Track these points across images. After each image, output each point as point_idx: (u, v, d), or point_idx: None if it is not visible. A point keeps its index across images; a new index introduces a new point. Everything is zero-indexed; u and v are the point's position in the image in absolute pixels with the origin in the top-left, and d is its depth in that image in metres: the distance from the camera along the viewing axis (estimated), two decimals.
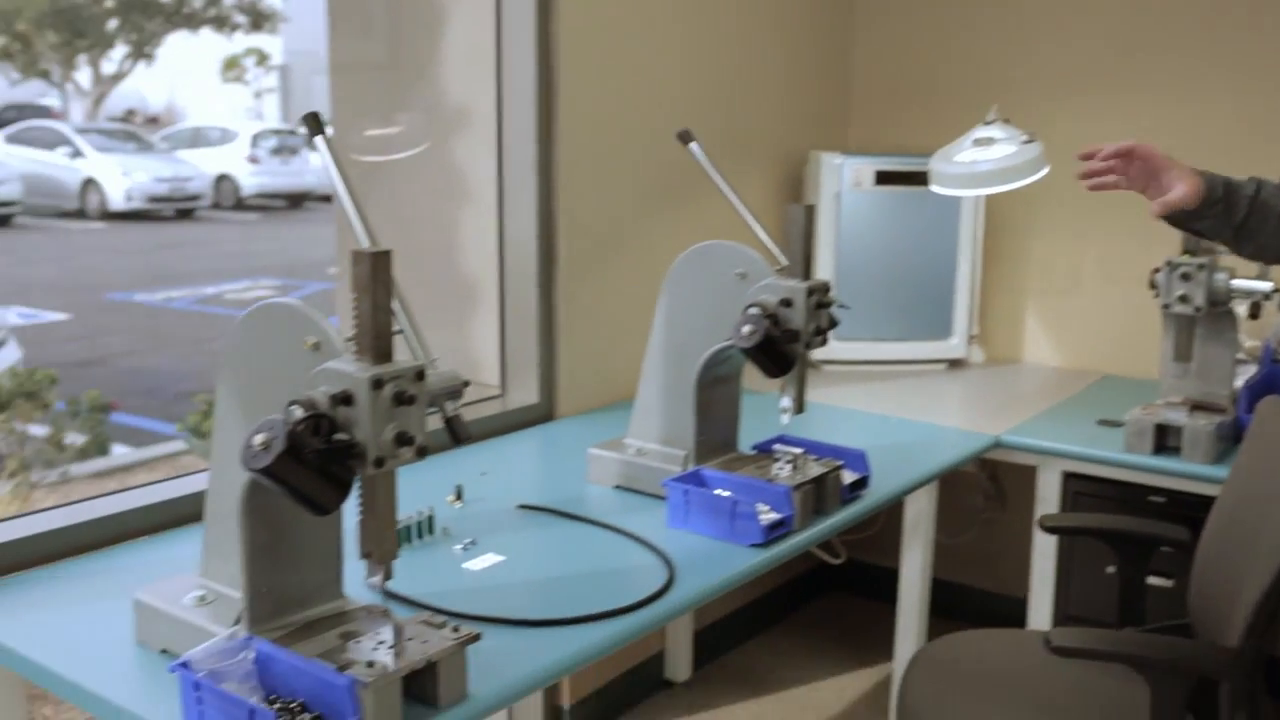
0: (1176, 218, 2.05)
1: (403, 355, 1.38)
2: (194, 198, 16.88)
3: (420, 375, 1.34)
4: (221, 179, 17.75)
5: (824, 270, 3.26)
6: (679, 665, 3.37)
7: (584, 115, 2.74)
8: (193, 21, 24.11)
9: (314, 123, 1.54)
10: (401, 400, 1.31)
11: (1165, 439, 2.54)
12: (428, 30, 2.89)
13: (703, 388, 2.20)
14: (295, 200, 18.38)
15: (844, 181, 3.31)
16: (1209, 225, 2.04)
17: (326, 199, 17.38)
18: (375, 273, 1.31)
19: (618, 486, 2.27)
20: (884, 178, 3.32)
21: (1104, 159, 2.05)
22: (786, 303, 2.06)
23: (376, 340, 1.31)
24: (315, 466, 1.25)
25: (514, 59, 2.68)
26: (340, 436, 1.29)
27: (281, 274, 11.84)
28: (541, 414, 2.76)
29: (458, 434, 1.47)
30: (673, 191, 3.00)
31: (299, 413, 1.28)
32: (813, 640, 3.67)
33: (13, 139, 17.27)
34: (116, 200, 16.03)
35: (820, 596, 3.95)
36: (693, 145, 2.29)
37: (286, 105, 28.44)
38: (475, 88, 2.79)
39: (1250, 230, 2.02)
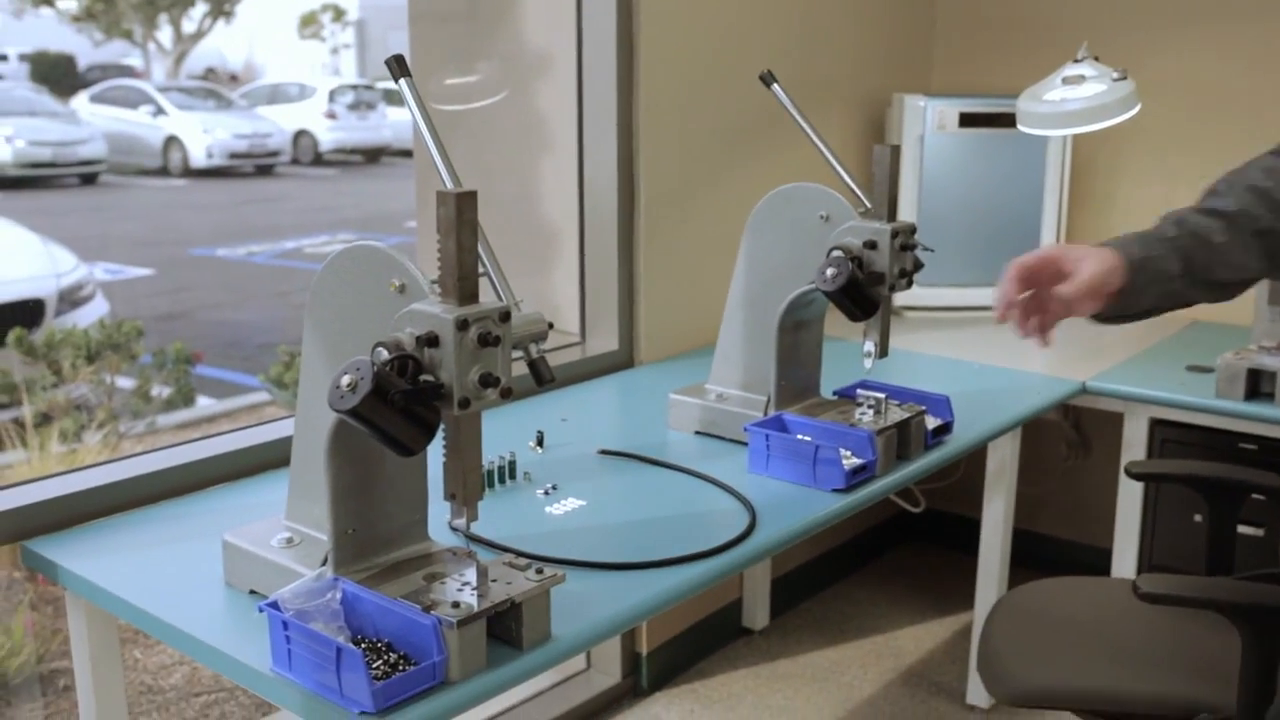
0: (1114, 311, 1.61)
1: (486, 298, 1.37)
2: (273, 154, 17.06)
3: (505, 316, 1.33)
4: (300, 135, 17.92)
5: (907, 214, 3.21)
6: (756, 613, 3.37)
7: (665, 59, 2.71)
8: None
9: (399, 66, 1.53)
10: (486, 342, 1.30)
11: (1258, 384, 2.48)
12: None
13: (784, 332, 2.17)
14: (372, 155, 18.51)
15: (927, 124, 3.25)
16: (1155, 293, 1.60)
17: (403, 154, 17.50)
18: (460, 213, 1.30)
19: (698, 432, 2.26)
20: (968, 120, 3.26)
21: (1005, 301, 1.61)
22: (871, 245, 2.03)
23: (461, 281, 1.31)
24: (401, 407, 1.25)
25: (594, 3, 2.65)
26: (426, 378, 1.29)
27: (359, 228, 11.95)
28: (621, 361, 2.76)
29: (541, 376, 1.46)
30: (754, 135, 2.97)
31: (385, 354, 1.28)
32: (891, 588, 3.65)
33: (97, 98, 17.56)
34: (198, 157, 16.24)
35: (898, 545, 3.92)
36: (775, 87, 2.25)
37: (363, 61, 28.58)
38: (555, 34, 2.77)
39: (1202, 267, 1.59)
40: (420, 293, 1.36)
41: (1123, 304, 1.59)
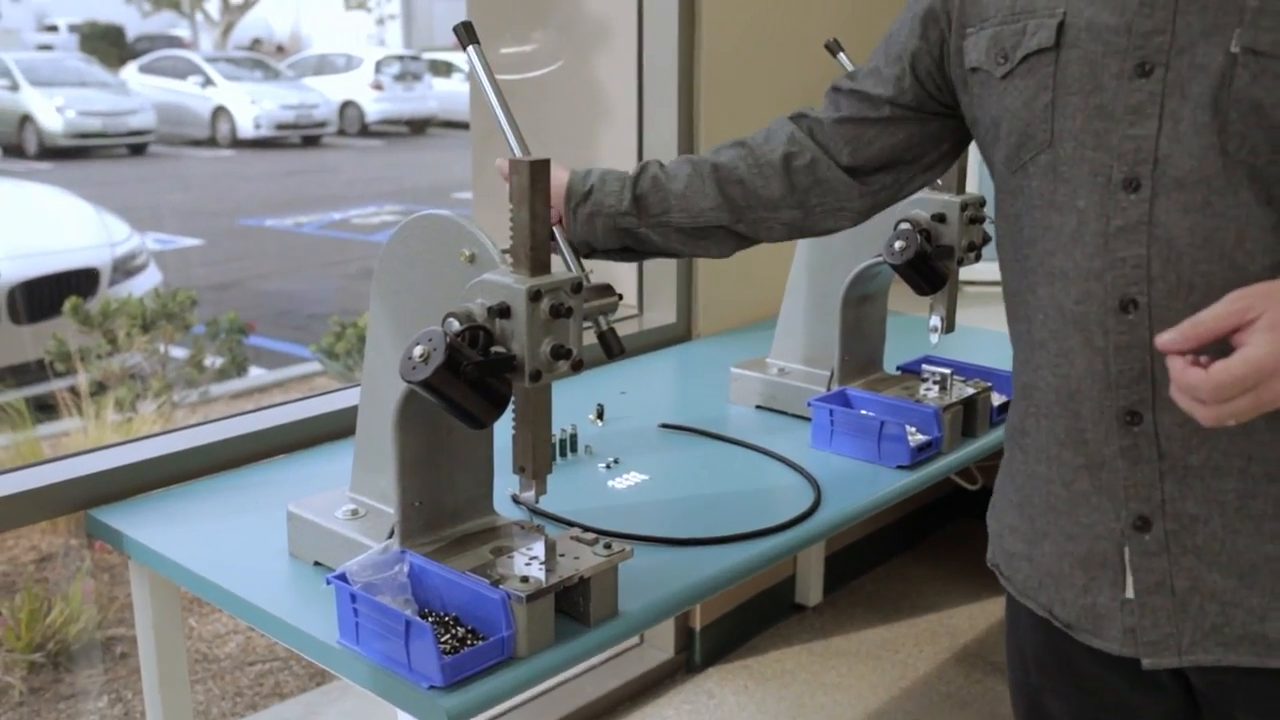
0: (580, 239, 1.57)
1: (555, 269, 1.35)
2: (320, 125, 17.08)
3: (577, 287, 1.31)
4: (346, 105, 17.92)
5: (973, 185, 3.15)
6: (810, 589, 3.34)
7: (726, 26, 2.67)
8: None
9: (467, 32, 1.51)
10: (559, 313, 1.28)
11: None
12: None
13: (849, 306, 2.14)
14: (418, 126, 18.50)
15: None
16: (604, 228, 1.56)
17: (450, 125, 17.50)
18: (534, 181, 1.28)
19: (759, 406, 2.23)
20: None
21: None
22: (939, 218, 1.99)
23: (534, 251, 1.29)
24: (473, 379, 1.23)
25: None
26: (498, 349, 1.27)
27: (406, 199, 11.96)
28: (679, 334, 2.73)
29: (611, 348, 1.44)
30: (818, 104, 2.91)
31: (456, 325, 1.26)
32: (945, 567, 3.61)
33: (145, 69, 17.63)
34: (245, 128, 16.29)
35: (953, 523, 3.88)
36: (840, 55, 2.21)
37: (409, 31, 28.59)
38: (614, 4, 2.73)
39: (663, 225, 1.56)
40: (491, 262, 1.34)
41: (573, 229, 1.56)
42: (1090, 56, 1.20)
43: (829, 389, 2.14)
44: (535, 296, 1.27)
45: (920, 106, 1.44)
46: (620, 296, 1.50)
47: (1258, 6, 1.12)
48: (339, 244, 10.22)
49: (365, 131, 17.88)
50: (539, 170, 1.28)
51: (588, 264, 1.54)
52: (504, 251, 1.34)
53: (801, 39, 2.76)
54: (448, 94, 17.98)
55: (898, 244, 1.96)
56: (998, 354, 2.60)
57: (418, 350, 1.23)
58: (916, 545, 3.74)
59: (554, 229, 1.46)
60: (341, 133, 17.60)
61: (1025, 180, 1.27)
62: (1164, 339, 1.07)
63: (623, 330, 2.63)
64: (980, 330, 2.85)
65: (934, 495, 3.76)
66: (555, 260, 1.39)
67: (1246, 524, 1.19)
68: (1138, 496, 1.22)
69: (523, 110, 2.95)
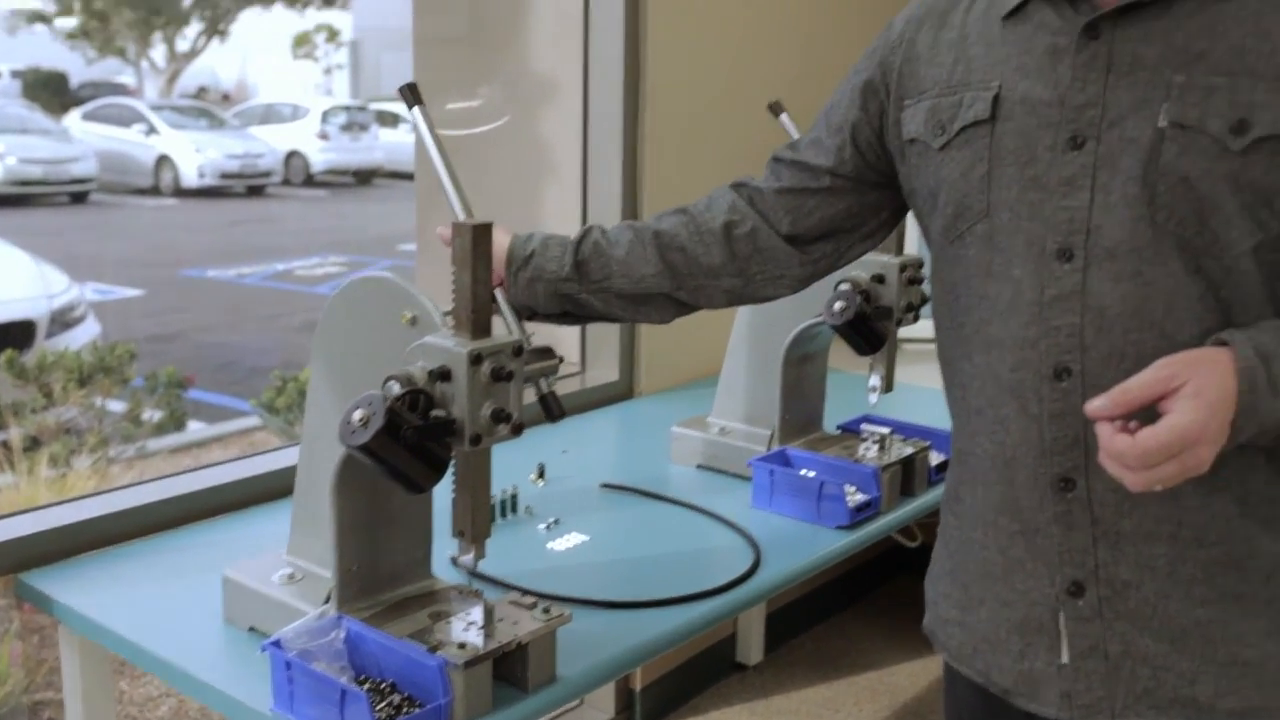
0: (518, 299, 1.56)
1: (496, 331, 1.35)
2: (265, 174, 17.02)
3: (518, 351, 1.31)
4: (292, 155, 17.88)
5: (911, 247, 3.19)
6: (751, 648, 3.33)
7: (671, 88, 2.70)
8: None
9: (412, 94, 1.51)
10: (499, 376, 1.28)
11: None
12: (512, 2, 2.86)
13: (789, 366, 2.15)
14: (364, 177, 18.49)
15: None
16: (545, 293, 1.55)
17: (395, 175, 17.49)
18: (476, 245, 1.28)
19: (700, 466, 2.24)
20: None
21: None
22: (879, 279, 2.02)
23: (475, 315, 1.29)
24: (412, 444, 1.23)
25: (601, 30, 2.64)
26: (438, 413, 1.27)
27: (351, 251, 11.91)
28: (621, 391, 2.73)
29: (553, 411, 1.44)
30: (762, 164, 2.94)
31: (397, 388, 1.25)
32: (886, 624, 3.62)
33: (89, 116, 17.52)
34: (189, 177, 16.20)
35: (894, 580, 3.89)
36: (783, 117, 2.24)
37: (356, 82, 28.63)
38: (560, 60, 2.75)
39: (604, 291, 1.55)
40: (432, 325, 1.34)
41: (514, 293, 1.55)
42: (1025, 129, 1.23)
43: (769, 448, 2.15)
44: (476, 360, 1.27)
45: (860, 177, 1.46)
46: (561, 359, 1.50)
47: (1183, 82, 1.15)
48: (282, 295, 10.15)
49: (311, 182, 17.84)
50: (481, 234, 1.29)
51: (529, 326, 1.54)
52: (446, 314, 1.34)
53: (746, 99, 2.79)
54: (394, 145, 18.00)
55: (837, 305, 1.97)
56: (937, 412, 2.61)
57: (357, 414, 1.22)
58: (857, 602, 3.75)
59: (496, 291, 1.46)
60: (287, 182, 17.55)
61: (962, 250, 1.29)
62: (1093, 406, 1.09)
63: (565, 388, 2.65)
64: (919, 388, 2.87)
65: (874, 552, 3.76)
66: (497, 322, 1.39)
67: (1177, 589, 1.21)
68: (1072, 562, 1.23)
69: (468, 166, 2.95)
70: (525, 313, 1.57)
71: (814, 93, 3.10)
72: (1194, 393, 1.06)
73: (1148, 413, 1.08)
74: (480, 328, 1.30)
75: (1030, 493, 1.25)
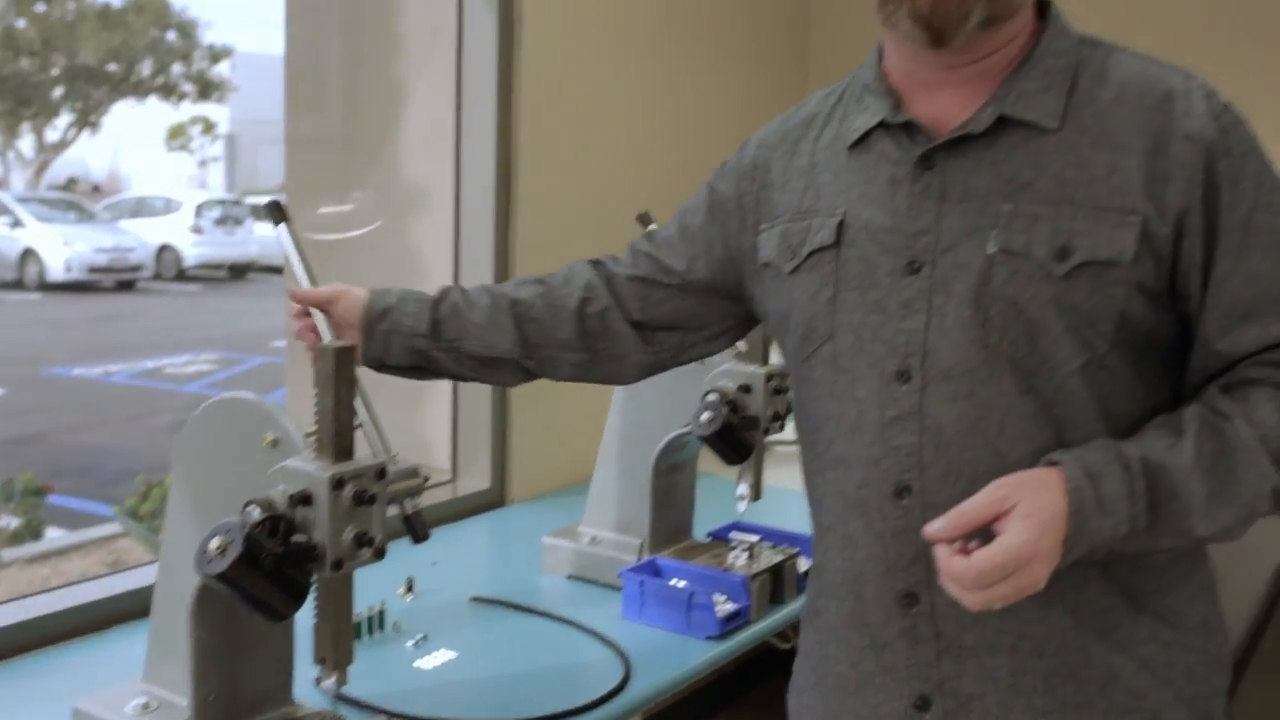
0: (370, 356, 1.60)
1: (361, 449, 1.35)
2: (135, 269, 16.70)
3: (381, 473, 1.31)
4: (164, 249, 17.59)
5: (776, 356, 3.25)
6: None
7: (543, 196, 2.73)
8: (140, 90, 24.08)
9: (276, 212, 1.51)
10: (362, 500, 1.28)
11: None
12: (385, 107, 2.88)
13: (659, 475, 2.17)
14: (239, 271, 18.26)
15: None
16: (401, 348, 1.59)
17: (271, 269, 17.28)
18: (338, 368, 1.28)
19: (572, 576, 2.23)
20: None
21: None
22: (745, 389, 2.05)
23: (338, 438, 1.28)
24: (271, 571, 1.21)
25: (473, 139, 2.67)
26: (298, 538, 1.26)
27: (224, 347, 11.71)
28: (494, 499, 2.72)
29: (417, 532, 1.43)
30: None
31: (256, 514, 1.24)
32: None
33: None
34: (56, 271, 15.82)
35: (766, 682, 3.90)
36: (653, 228, 2.28)
37: (232, 174, 28.41)
38: (433, 168, 2.77)
39: (455, 350, 1.59)
40: (294, 447, 1.33)
41: (369, 345, 1.58)
42: (867, 255, 1.28)
43: (640, 558, 2.16)
44: (338, 484, 1.26)
45: (709, 286, 1.51)
46: (426, 479, 1.50)
47: (1010, 211, 1.21)
48: (151, 394, 9.91)
49: (183, 276, 17.56)
50: (344, 356, 1.29)
51: (390, 428, 1.53)
52: (308, 435, 1.33)
53: (615, 211, 2.82)
54: (270, 239, 17.79)
55: (704, 416, 2.00)
56: (805, 517, 2.66)
57: (214, 543, 1.21)
58: (731, 704, 3.74)
59: (361, 409, 1.46)
60: (158, 277, 17.24)
61: (811, 370, 1.33)
62: (930, 529, 1.14)
63: (435, 497, 2.63)
64: (789, 492, 2.90)
65: (749, 655, 3.77)
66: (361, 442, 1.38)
67: (1019, 700, 1.24)
68: (918, 676, 1.26)
69: (340, 271, 2.94)
70: (374, 364, 1.60)
71: (684, 198, 3.18)
72: (1025, 514, 1.11)
73: (984, 532, 1.12)
74: (343, 450, 1.29)
75: (877, 608, 1.28)
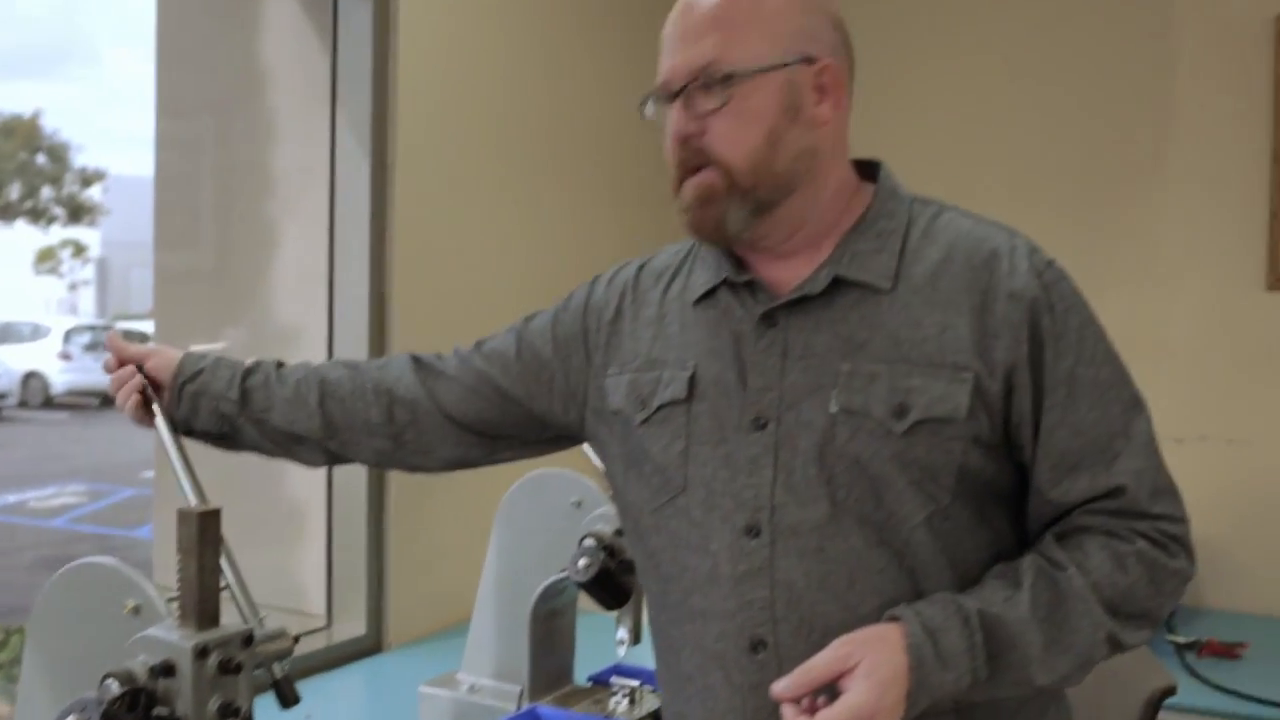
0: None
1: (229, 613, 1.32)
2: (0, 396, 16.21)
3: (248, 640, 1.28)
4: (30, 376, 17.13)
5: None
6: None
7: (418, 337, 2.70)
8: (8, 214, 23.63)
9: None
10: (227, 669, 1.24)
11: None
12: (257, 244, 2.86)
13: (538, 621, 2.15)
14: (108, 399, 17.75)
15: None
16: (207, 410, 1.60)
17: None
18: (203, 534, 1.25)
19: None
20: None
21: None
22: (620, 532, 2.04)
23: (202, 605, 1.25)
24: None
25: (346, 280, 2.66)
26: (160, 711, 1.22)
27: (92, 478, 11.34)
28: (370, 645, 2.65)
29: (287, 698, 1.39)
30: None
31: (115, 688, 1.20)
32: None
33: None
34: None
35: None
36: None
37: (103, 298, 27.89)
38: (305, 307, 2.75)
39: (260, 405, 1.59)
40: (156, 614, 1.30)
41: (179, 406, 1.59)
42: (717, 410, 1.31)
43: (520, 705, 2.12)
44: (202, 653, 1.23)
45: (532, 403, 1.52)
46: (296, 639, 1.46)
47: (849, 370, 1.25)
48: (11, 530, 9.52)
49: (51, 404, 17.06)
50: (209, 521, 1.26)
51: (259, 576, 1.50)
52: (170, 600, 1.30)
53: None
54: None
55: (582, 561, 1.99)
56: None
57: None
58: None
59: (227, 568, 1.42)
60: (24, 404, 16.75)
61: (666, 521, 1.35)
62: (776, 688, 1.16)
63: (310, 645, 2.56)
64: None
65: None
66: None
67: None
68: None
69: None
70: (182, 426, 1.60)
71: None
72: (867, 672, 1.14)
73: (831, 688, 1.15)
74: (207, 617, 1.26)
75: None
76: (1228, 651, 2.56)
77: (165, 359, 1.63)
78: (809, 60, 1.30)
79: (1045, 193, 3.28)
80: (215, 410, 1.59)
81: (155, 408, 1.59)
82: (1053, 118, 3.31)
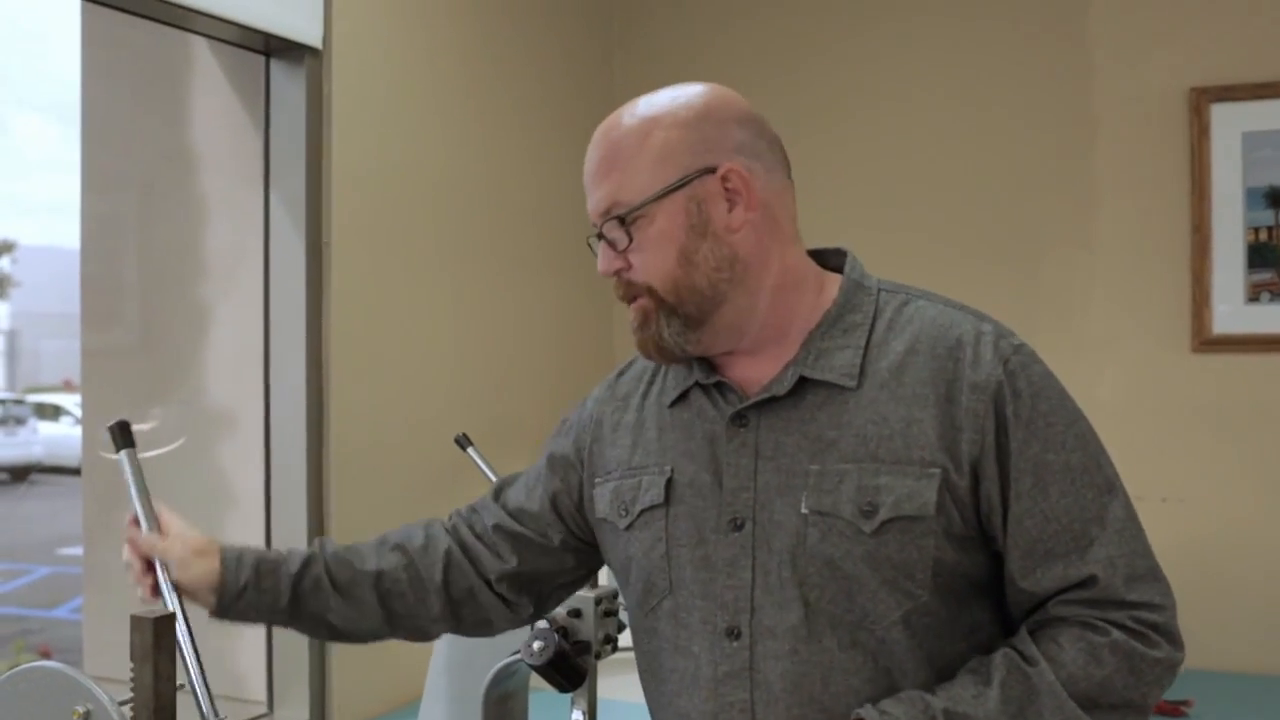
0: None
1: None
2: None
3: None
4: None
5: (605, 578, 3.23)
6: None
7: (357, 417, 2.69)
8: None
9: (122, 435, 1.46)
10: None
11: None
12: (189, 324, 2.82)
13: (489, 705, 2.11)
14: (20, 473, 17.35)
15: None
16: (255, 621, 1.56)
17: (57, 470, 16.46)
18: (158, 639, 1.22)
19: None
20: None
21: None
22: (575, 613, 2.01)
23: (158, 714, 1.21)
24: None
25: (283, 361, 2.63)
26: None
27: (7, 557, 10.99)
28: None
29: None
30: (450, 493, 2.95)
31: None
32: None
33: None
34: None
35: None
36: (470, 450, 2.27)
37: (13, 371, 27.27)
38: (240, 388, 2.71)
39: (316, 620, 1.57)
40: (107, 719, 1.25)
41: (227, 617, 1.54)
42: (694, 511, 1.31)
43: None
44: None
45: (565, 539, 1.55)
46: None
47: (818, 470, 1.25)
48: None
49: None
50: (163, 627, 1.23)
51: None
52: (123, 704, 1.26)
53: (432, 429, 2.81)
54: (55, 438, 17.02)
55: (536, 644, 1.95)
56: None
57: None
58: None
59: (193, 665, 1.38)
60: None
61: (655, 623, 1.34)
62: None
63: None
64: (623, 704, 2.86)
65: None
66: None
67: None
68: None
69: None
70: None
71: (501, 411, 3.18)
72: None
73: None
74: None
75: None
76: (1173, 710, 2.59)
77: (202, 571, 1.47)
78: (710, 170, 1.30)
79: (971, 261, 3.33)
80: (267, 620, 1.56)
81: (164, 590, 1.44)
82: (977, 187, 3.37)
